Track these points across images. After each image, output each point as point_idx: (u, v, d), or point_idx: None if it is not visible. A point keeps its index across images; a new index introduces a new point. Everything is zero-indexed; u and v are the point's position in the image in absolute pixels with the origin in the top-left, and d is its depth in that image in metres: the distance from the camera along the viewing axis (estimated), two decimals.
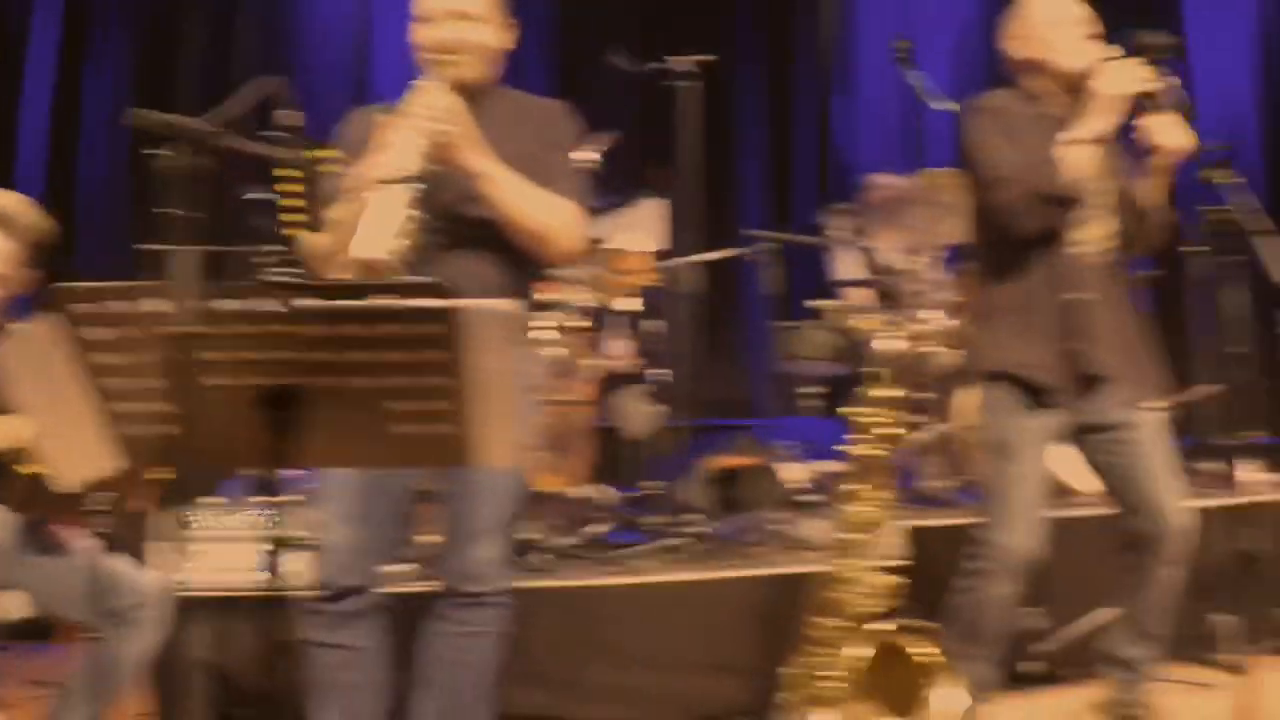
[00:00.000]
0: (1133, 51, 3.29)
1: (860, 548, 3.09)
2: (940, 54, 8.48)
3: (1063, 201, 3.57)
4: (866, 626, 2.98)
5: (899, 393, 3.15)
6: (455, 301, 2.01)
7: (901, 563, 4.48)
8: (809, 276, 6.93)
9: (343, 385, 2.06)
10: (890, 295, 5.79)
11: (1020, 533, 3.65)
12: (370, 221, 2.78)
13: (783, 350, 6.03)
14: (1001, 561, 3.65)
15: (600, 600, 4.33)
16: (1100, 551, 3.97)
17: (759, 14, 8.65)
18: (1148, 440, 3.74)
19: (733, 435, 5.88)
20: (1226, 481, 5.86)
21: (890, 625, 2.99)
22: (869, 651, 2.93)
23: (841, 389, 5.69)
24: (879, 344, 3.19)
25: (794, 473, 5.44)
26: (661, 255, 5.71)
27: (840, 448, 3.24)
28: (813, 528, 4.87)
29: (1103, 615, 4.17)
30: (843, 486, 3.18)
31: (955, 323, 5.25)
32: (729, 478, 5.60)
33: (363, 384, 2.06)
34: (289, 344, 2.03)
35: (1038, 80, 3.78)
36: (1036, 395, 3.68)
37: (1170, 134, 3.54)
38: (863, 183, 6.45)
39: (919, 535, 4.59)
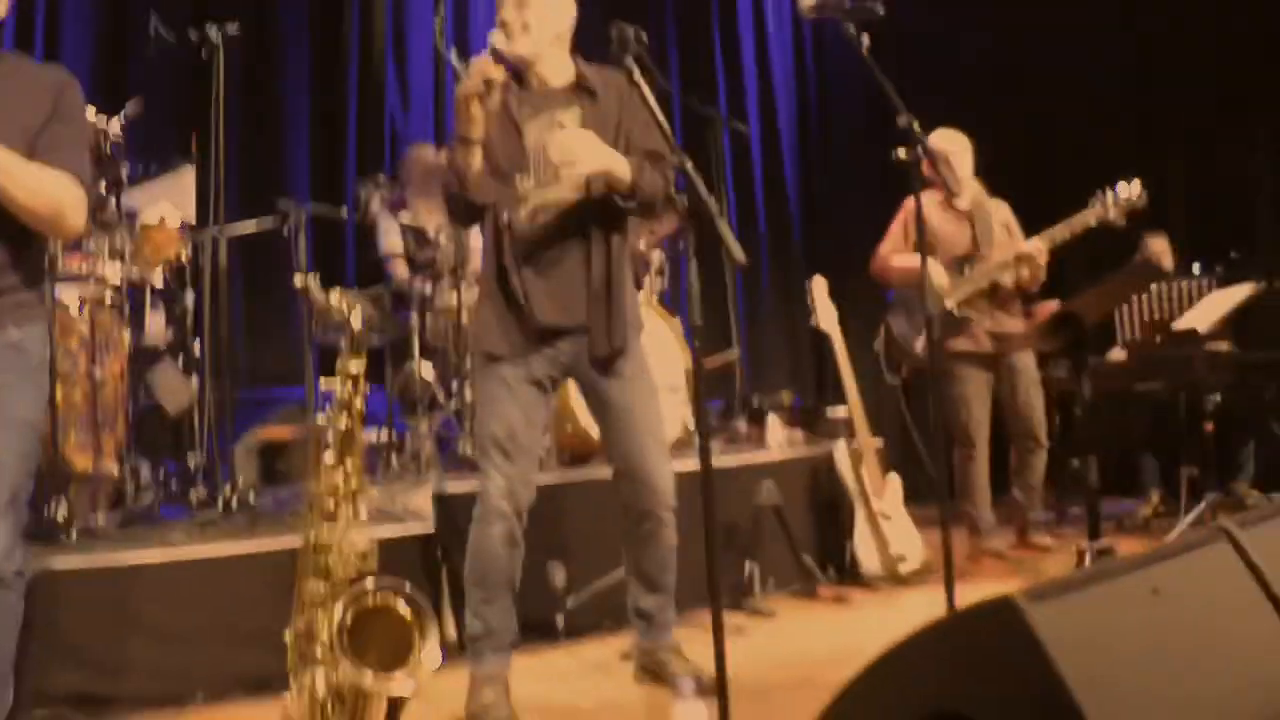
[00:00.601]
0: (613, 43, 3.43)
1: (338, 515, 3.17)
2: None
3: (458, 197, 3.82)
4: (350, 589, 3.06)
5: (358, 365, 3.24)
6: None
7: (429, 528, 4.66)
8: (356, 246, 6.96)
9: None
10: (430, 266, 5.88)
11: (504, 476, 3.84)
12: None
13: (319, 319, 6.02)
14: (490, 505, 3.84)
15: (136, 577, 4.25)
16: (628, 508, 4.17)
17: None
18: (625, 396, 3.99)
19: (275, 406, 5.86)
20: (754, 439, 6.24)
21: (372, 586, 3.08)
22: (350, 613, 3.02)
23: (378, 360, 5.78)
24: (350, 320, 3.27)
25: None
26: (199, 226, 5.61)
27: (318, 421, 3.31)
28: None
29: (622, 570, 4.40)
30: (315, 457, 3.26)
31: None
32: (272, 449, 5.60)
33: None
34: None
35: None
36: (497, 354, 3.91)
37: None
38: (405, 153, 6.51)
39: (449, 501, 4.71)
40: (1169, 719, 2.21)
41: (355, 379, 3.24)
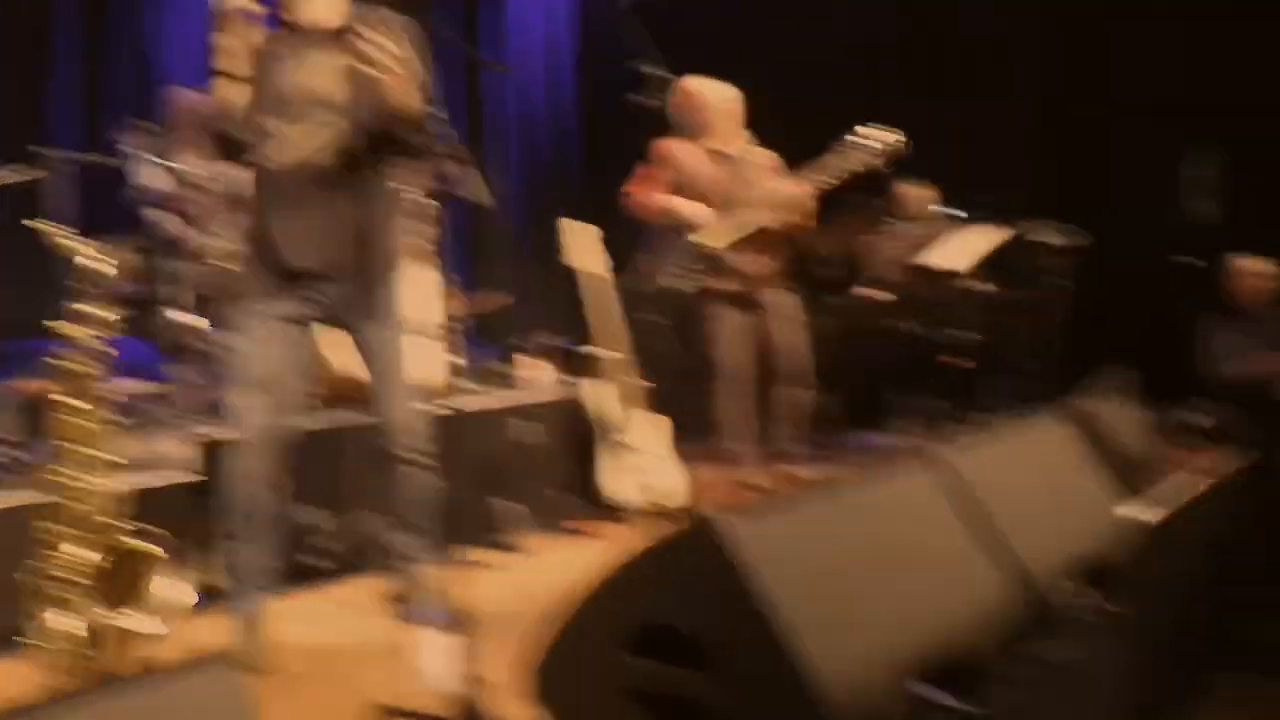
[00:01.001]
0: None
1: (83, 463, 3.19)
2: None
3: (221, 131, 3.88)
4: (99, 534, 3.10)
5: (103, 311, 3.26)
6: None
7: (194, 475, 4.66)
8: (122, 193, 6.83)
9: None
10: (190, 212, 5.83)
11: (258, 417, 3.89)
12: None
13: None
14: (246, 446, 3.90)
15: None
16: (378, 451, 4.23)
17: None
18: (378, 340, 4.05)
19: (37, 358, 5.76)
20: (511, 380, 6.34)
21: (117, 528, 3.12)
22: (100, 557, 3.06)
23: (141, 307, 5.73)
24: (82, 262, 3.29)
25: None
26: None
27: (53, 363, 3.32)
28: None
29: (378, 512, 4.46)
30: (54, 400, 3.27)
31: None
32: (34, 402, 5.51)
33: None
34: None
35: None
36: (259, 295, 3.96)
37: None
38: (165, 98, 6.42)
39: (215, 447, 4.70)
40: (865, 629, 2.37)
41: (98, 324, 3.25)
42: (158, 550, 3.11)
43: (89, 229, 5.85)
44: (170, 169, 6.06)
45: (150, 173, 6.14)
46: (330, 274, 3.95)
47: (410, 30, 3.95)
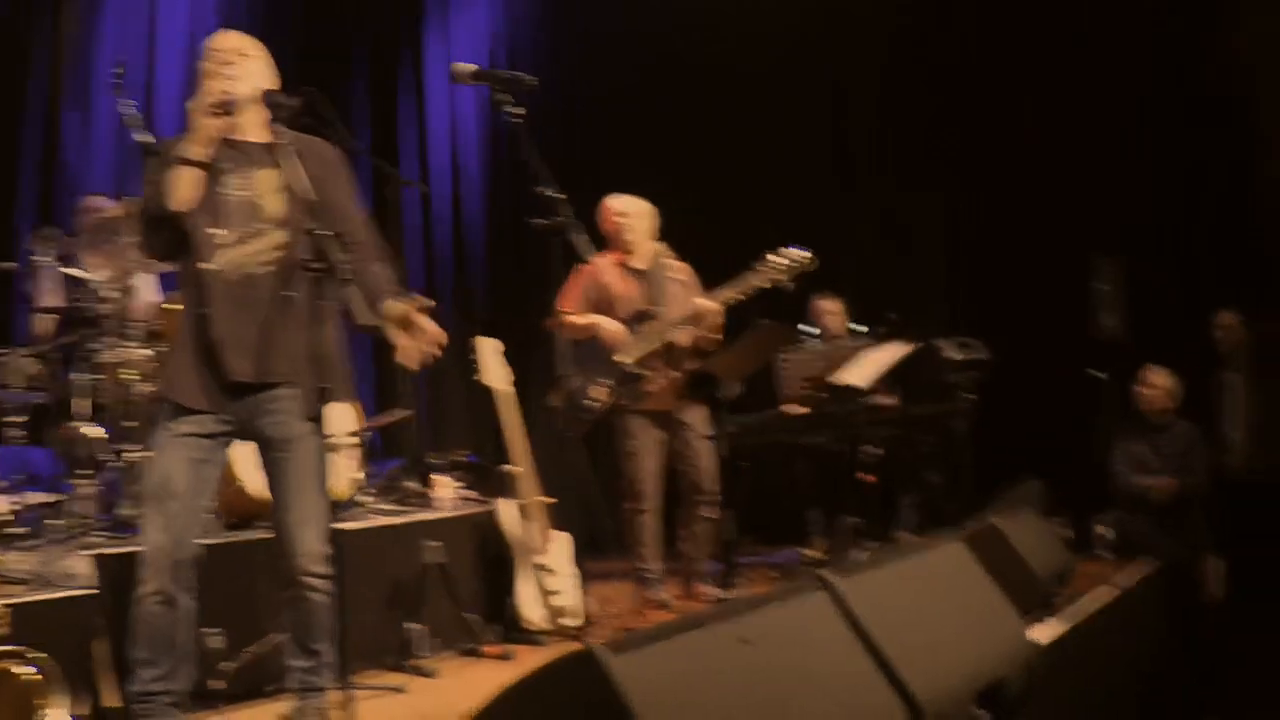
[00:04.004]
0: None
1: None
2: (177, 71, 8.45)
3: (164, 221, 3.84)
4: None
5: None
6: None
7: (89, 590, 4.55)
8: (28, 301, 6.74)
9: None
10: (92, 321, 5.73)
11: (162, 532, 3.82)
12: None
13: None
14: (147, 563, 3.82)
15: None
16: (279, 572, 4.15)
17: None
18: (297, 462, 3.97)
19: None
20: (424, 498, 6.27)
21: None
22: None
23: (43, 418, 5.65)
24: None
25: None
26: None
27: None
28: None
29: (280, 634, 4.38)
30: None
31: (152, 351, 5.37)
32: None
33: None
34: None
35: None
36: (184, 406, 3.90)
37: None
38: (78, 205, 6.36)
39: (111, 562, 4.60)
40: None
41: None
42: (33, 673, 3.02)
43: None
44: (74, 277, 5.98)
45: (47, 280, 6.06)
46: (265, 386, 3.93)
47: (333, 154, 4.10)
